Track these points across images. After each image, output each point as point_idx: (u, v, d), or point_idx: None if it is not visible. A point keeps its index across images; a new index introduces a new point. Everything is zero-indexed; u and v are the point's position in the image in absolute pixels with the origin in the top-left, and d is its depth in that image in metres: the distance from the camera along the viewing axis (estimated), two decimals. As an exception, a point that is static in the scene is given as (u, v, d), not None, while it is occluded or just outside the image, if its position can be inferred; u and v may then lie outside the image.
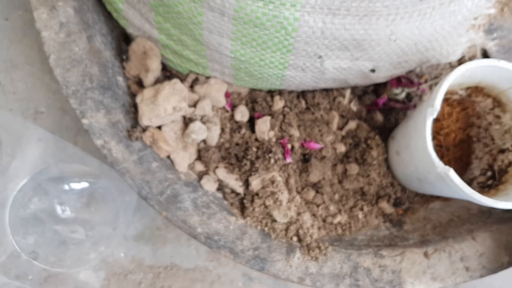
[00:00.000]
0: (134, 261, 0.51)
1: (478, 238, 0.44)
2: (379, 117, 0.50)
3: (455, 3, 0.37)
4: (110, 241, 0.49)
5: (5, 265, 0.44)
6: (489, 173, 0.46)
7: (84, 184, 0.46)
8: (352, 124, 0.49)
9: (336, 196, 0.47)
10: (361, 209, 0.47)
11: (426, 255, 0.43)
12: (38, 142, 0.44)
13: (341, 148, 0.48)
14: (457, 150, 0.47)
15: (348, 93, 0.49)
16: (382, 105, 0.50)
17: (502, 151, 0.46)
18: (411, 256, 0.43)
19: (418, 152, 0.40)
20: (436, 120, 0.46)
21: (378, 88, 0.52)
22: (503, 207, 0.37)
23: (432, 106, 0.38)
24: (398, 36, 0.38)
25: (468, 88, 0.45)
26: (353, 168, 0.47)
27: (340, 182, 0.48)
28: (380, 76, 0.44)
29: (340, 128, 0.49)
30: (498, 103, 0.45)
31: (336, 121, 0.48)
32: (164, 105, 0.41)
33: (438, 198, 0.50)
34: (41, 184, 0.45)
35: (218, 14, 0.35)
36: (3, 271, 0.43)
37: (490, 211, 0.47)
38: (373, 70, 0.42)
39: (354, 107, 0.50)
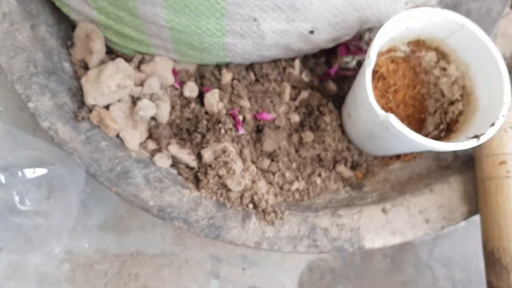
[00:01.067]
0: (98, 250, 0.51)
1: (436, 190, 0.44)
2: (332, 86, 0.51)
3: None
4: (72, 231, 0.49)
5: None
6: (441, 127, 0.46)
7: (40, 172, 0.45)
8: (304, 94, 0.50)
9: (294, 165, 0.47)
10: (319, 175, 0.47)
11: (384, 210, 0.43)
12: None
13: (295, 118, 0.48)
14: (408, 108, 0.47)
15: (297, 63, 0.49)
16: (334, 75, 0.51)
17: (452, 102, 0.46)
18: (369, 213, 0.43)
19: (363, 107, 0.40)
20: (383, 79, 0.47)
21: (329, 60, 0.52)
22: (444, 148, 0.37)
23: (369, 57, 0.39)
24: (329, -8, 0.39)
25: (409, 42, 0.45)
26: (308, 136, 0.47)
27: (297, 151, 0.48)
28: (322, 39, 0.44)
29: (293, 99, 0.50)
30: (441, 54, 0.46)
31: (288, 91, 0.49)
32: (107, 83, 0.41)
33: (397, 159, 0.50)
34: (-4, 176, 0.45)
35: (146, -20, 0.36)
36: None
37: (448, 165, 0.47)
38: (311, 32, 0.42)
39: (306, 78, 0.50)
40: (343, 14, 0.42)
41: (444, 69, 0.46)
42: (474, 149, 0.43)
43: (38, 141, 0.43)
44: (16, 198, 0.46)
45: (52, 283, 0.49)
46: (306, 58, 0.51)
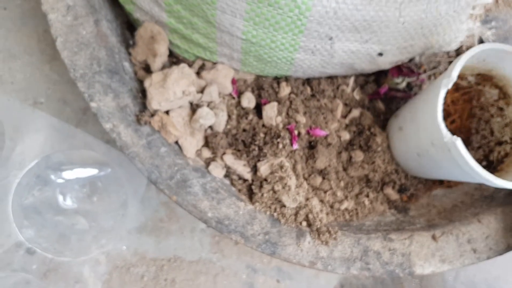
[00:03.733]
0: (136, 254, 0.50)
1: (484, 221, 0.44)
2: (380, 105, 0.51)
3: (462, -15, 0.38)
4: (113, 234, 0.48)
5: (7, 255, 0.43)
6: (483, 163, 0.47)
7: (88, 172, 0.45)
8: (355, 112, 0.50)
9: (342, 183, 0.47)
10: (367, 195, 0.47)
11: (434, 238, 0.43)
12: (41, 129, 0.43)
13: (346, 136, 0.49)
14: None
15: (351, 81, 0.49)
16: (383, 94, 0.51)
17: (500, 143, 0.47)
18: (419, 239, 0.43)
19: (424, 122, 0.40)
20: (444, 110, 0.47)
21: (379, 78, 0.52)
22: (503, 185, 0.38)
23: (449, 77, 0.39)
24: (406, 19, 0.39)
25: (479, 74, 0.45)
26: (358, 155, 0.48)
27: (345, 169, 0.48)
28: (386, 61, 0.44)
29: (344, 116, 0.50)
30: (504, 95, 0.46)
31: (340, 109, 0.49)
32: (173, 89, 0.40)
33: (440, 185, 0.50)
34: (44, 172, 0.44)
35: (233, -8, 0.35)
36: (5, 261, 0.42)
37: (493, 195, 0.48)
38: (380, 54, 0.43)
39: (357, 95, 0.50)
40: (413, 39, 0.42)
41: (501, 109, 0.47)
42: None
43: (94, 141, 0.42)
44: (60, 196, 0.46)
45: (87, 284, 0.48)
46: (356, 76, 0.52)
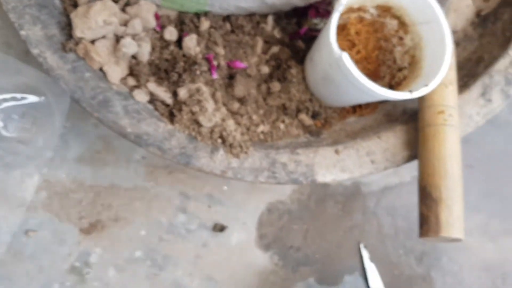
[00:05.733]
0: (75, 181, 0.55)
1: (383, 137, 0.50)
2: (300, 44, 0.56)
3: None
4: (51, 162, 0.53)
5: None
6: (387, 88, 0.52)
7: (28, 99, 0.49)
8: (275, 49, 0.55)
9: (261, 111, 0.52)
10: (283, 121, 0.52)
11: (337, 152, 0.48)
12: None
13: (265, 70, 0.53)
14: (365, 71, 0.52)
15: (270, 19, 0.54)
16: (303, 34, 0.56)
17: (400, 69, 0.52)
18: (323, 153, 0.48)
19: (324, 48, 0.45)
20: (349, 36, 0.52)
21: (300, 21, 0.57)
22: (380, 92, 0.43)
23: (339, 1, 0.44)
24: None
25: (378, 6, 0.50)
26: (276, 86, 0.52)
27: (264, 99, 0.53)
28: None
29: (265, 52, 0.55)
30: (402, 24, 0.51)
31: (260, 45, 0.54)
32: (95, 18, 0.45)
33: (353, 113, 0.55)
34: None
35: None
36: None
37: (398, 119, 0.53)
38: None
39: (277, 34, 0.55)
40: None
41: (401, 38, 0.52)
42: (418, 103, 0.49)
43: (27, 68, 0.46)
44: (1, 124, 0.50)
45: (29, 207, 0.53)
46: (279, 19, 0.56)
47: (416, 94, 0.44)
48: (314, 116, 0.53)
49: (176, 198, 0.56)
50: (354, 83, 0.44)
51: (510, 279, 0.61)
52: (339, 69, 0.44)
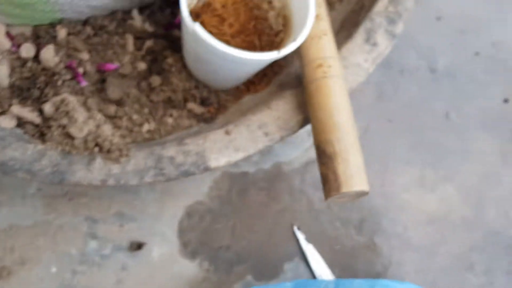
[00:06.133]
0: (-33, 231, 0.50)
1: (273, 106, 0.46)
2: (177, 33, 0.52)
3: None
4: None
5: None
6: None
7: None
8: (149, 43, 0.51)
9: (146, 110, 0.48)
10: (171, 115, 0.48)
11: (227, 132, 0.45)
12: None
13: (142, 66, 0.50)
14: (244, 43, 0.49)
15: (135, 13, 0.51)
16: (178, 23, 0.53)
17: (277, 34, 0.49)
18: (213, 137, 0.45)
19: (185, 27, 0.42)
20: (217, 16, 0.49)
21: (174, 11, 0.54)
22: (245, 56, 0.40)
23: None
24: None
25: None
26: (155, 80, 0.49)
27: (148, 96, 0.49)
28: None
29: (139, 49, 0.51)
30: (267, -13, 0.48)
31: (131, 42, 0.50)
32: None
33: (248, 92, 0.52)
34: None
35: None
36: None
37: (291, 87, 0.50)
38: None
39: (150, 28, 0.52)
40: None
41: (270, 2, 0.49)
42: (300, 64, 0.46)
43: None
44: None
45: None
46: (152, 12, 0.53)
47: (284, 52, 0.41)
48: (204, 102, 0.50)
49: (82, 224, 0.52)
50: (215, 53, 0.40)
51: (459, 228, 0.58)
52: (199, 43, 0.41)
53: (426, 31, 0.65)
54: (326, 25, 0.45)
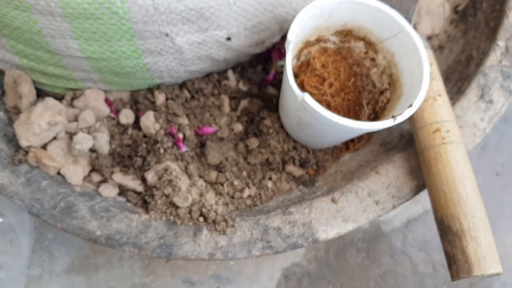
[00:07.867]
0: (68, 295, 0.50)
1: (382, 171, 0.43)
2: (272, 90, 0.51)
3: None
4: (39, 280, 0.48)
5: None
6: (372, 116, 0.46)
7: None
8: (244, 103, 0.50)
9: (244, 173, 0.47)
10: (270, 178, 0.47)
11: (333, 200, 0.42)
12: None
13: (239, 127, 0.49)
14: (344, 102, 0.47)
15: (230, 73, 0.50)
16: (272, 80, 0.51)
17: (381, 92, 0.46)
18: (319, 205, 0.42)
19: (288, 93, 0.40)
20: (317, 76, 0.47)
21: (266, 67, 0.53)
22: (358, 126, 0.37)
23: (287, 39, 0.39)
24: (235, -4, 0.40)
25: (337, 32, 0.45)
26: (253, 142, 0.48)
27: (245, 159, 0.48)
28: (243, 45, 0.45)
29: (234, 109, 0.50)
30: (369, 44, 0.46)
31: (226, 103, 0.49)
32: (37, 122, 0.42)
33: (347, 150, 0.49)
34: None
35: (49, 15, 0.37)
36: None
37: (395, 146, 0.47)
38: (229, 38, 0.43)
39: (243, 87, 0.51)
40: (256, 17, 0.43)
41: (373, 59, 0.47)
42: (410, 125, 0.43)
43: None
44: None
45: (24, 336, 0.48)
46: (243, 69, 0.52)
47: (400, 119, 0.38)
48: (303, 164, 0.48)
49: (179, 287, 0.51)
50: (327, 123, 0.38)
51: None
52: (306, 111, 0.39)
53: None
54: (440, 85, 0.42)
